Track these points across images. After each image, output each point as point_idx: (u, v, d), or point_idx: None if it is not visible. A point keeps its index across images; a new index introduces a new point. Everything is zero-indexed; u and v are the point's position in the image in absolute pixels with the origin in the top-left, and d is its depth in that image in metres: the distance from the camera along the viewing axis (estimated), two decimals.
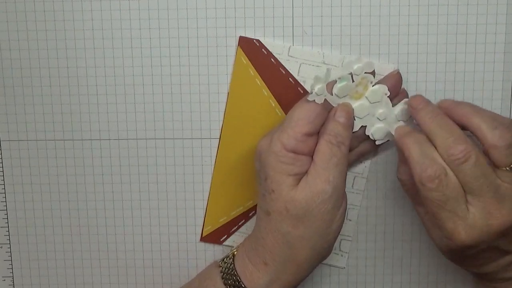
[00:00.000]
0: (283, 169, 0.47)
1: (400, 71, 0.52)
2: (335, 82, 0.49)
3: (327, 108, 0.49)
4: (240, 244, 0.52)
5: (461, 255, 0.47)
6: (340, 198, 0.48)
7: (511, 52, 0.54)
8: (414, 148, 0.46)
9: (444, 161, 0.45)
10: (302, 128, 0.47)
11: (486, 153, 0.46)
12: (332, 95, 0.49)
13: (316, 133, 0.49)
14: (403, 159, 0.48)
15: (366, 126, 0.51)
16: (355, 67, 0.49)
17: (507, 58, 0.54)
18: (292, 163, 0.47)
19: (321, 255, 0.50)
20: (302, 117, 0.47)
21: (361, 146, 0.53)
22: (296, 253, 0.48)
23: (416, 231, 0.57)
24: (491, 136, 0.45)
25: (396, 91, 0.51)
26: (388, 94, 0.50)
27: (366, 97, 0.50)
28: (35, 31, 0.55)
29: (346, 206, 0.49)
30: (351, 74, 0.49)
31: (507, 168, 0.45)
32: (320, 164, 0.47)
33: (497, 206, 0.44)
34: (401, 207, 0.57)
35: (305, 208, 0.47)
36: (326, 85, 0.48)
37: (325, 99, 0.48)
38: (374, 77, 0.50)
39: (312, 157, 0.48)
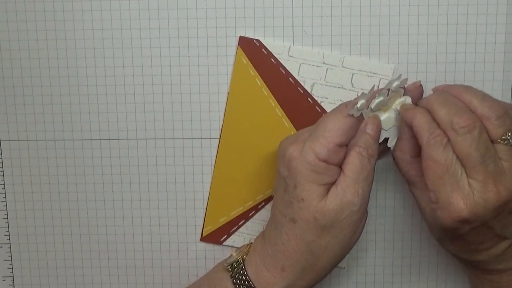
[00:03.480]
0: (314, 178, 0.47)
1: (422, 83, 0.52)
2: (373, 97, 0.49)
3: (359, 121, 0.49)
4: (251, 248, 0.52)
5: (454, 235, 0.47)
6: (365, 210, 0.48)
7: (511, 52, 0.54)
8: (422, 117, 0.47)
9: (448, 132, 0.45)
10: (335, 138, 0.47)
11: None
12: (368, 109, 0.49)
13: (346, 145, 0.49)
14: (404, 135, 0.49)
15: (389, 138, 0.51)
16: (395, 84, 0.49)
17: (507, 58, 0.54)
18: (324, 172, 0.47)
19: (338, 262, 0.50)
20: (336, 128, 0.47)
21: None
22: (317, 261, 0.49)
23: (416, 230, 0.57)
24: (481, 108, 0.46)
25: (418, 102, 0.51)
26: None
27: (394, 109, 0.50)
28: (35, 31, 0.55)
29: (367, 217, 0.50)
30: (388, 89, 0.49)
31: (500, 141, 0.46)
32: (350, 175, 0.47)
33: (494, 181, 0.45)
34: (401, 207, 0.57)
35: (334, 219, 0.47)
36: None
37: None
38: (404, 90, 0.50)
39: (341, 167, 0.48)
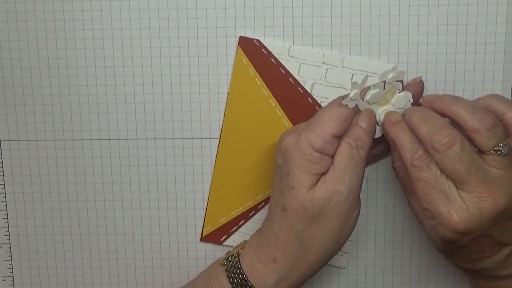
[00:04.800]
0: (307, 167, 0.47)
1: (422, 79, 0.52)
2: (368, 88, 0.49)
3: (356, 113, 0.49)
4: (247, 243, 0.52)
5: (455, 247, 0.47)
6: (355, 201, 0.48)
7: (511, 52, 0.54)
8: (404, 137, 0.47)
9: (429, 151, 0.46)
10: (330, 129, 0.47)
11: (469, 140, 0.46)
12: (363, 101, 0.49)
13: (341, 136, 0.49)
14: (394, 145, 0.49)
15: None
16: (390, 76, 0.49)
17: (507, 58, 0.54)
18: (317, 162, 0.47)
19: (330, 256, 0.50)
20: (332, 118, 0.48)
21: (376, 149, 0.53)
22: (307, 253, 0.49)
23: (416, 231, 0.57)
24: (471, 120, 0.46)
25: (419, 98, 0.51)
26: (412, 101, 0.50)
27: (392, 104, 0.50)
28: (35, 31, 0.55)
29: (360, 210, 0.50)
30: (384, 81, 0.49)
31: (492, 152, 0.46)
32: (338, 165, 0.48)
33: (487, 190, 0.45)
34: (401, 207, 0.57)
35: (321, 208, 0.47)
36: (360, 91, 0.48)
37: (356, 104, 0.48)
38: (402, 84, 0.50)
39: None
